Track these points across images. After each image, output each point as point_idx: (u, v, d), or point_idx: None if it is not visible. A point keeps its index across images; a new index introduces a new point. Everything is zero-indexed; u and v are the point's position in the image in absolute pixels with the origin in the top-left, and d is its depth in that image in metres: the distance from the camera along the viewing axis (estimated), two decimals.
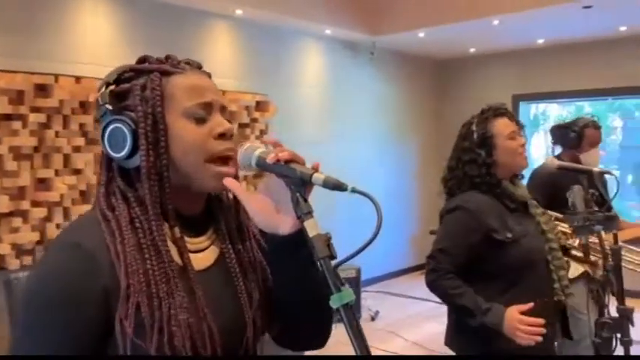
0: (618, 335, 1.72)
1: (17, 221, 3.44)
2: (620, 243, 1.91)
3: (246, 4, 4.54)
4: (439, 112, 7.07)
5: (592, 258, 2.04)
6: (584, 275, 2.83)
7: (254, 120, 4.88)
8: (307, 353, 1.13)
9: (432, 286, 1.95)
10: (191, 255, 0.95)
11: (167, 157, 0.93)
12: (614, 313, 1.88)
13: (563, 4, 4.50)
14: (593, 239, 2.11)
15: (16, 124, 3.40)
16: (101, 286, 0.86)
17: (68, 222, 3.63)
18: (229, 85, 4.64)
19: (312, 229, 0.86)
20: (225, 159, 0.96)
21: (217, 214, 1.03)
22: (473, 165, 2.01)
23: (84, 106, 3.72)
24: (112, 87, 0.97)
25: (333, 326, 1.06)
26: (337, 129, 5.78)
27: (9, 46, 3.50)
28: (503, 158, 1.99)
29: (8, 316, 1.08)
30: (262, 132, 4.97)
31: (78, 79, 3.72)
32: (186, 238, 0.96)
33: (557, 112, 7.34)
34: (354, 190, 0.84)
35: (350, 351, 0.81)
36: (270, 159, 0.90)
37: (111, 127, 0.94)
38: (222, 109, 0.99)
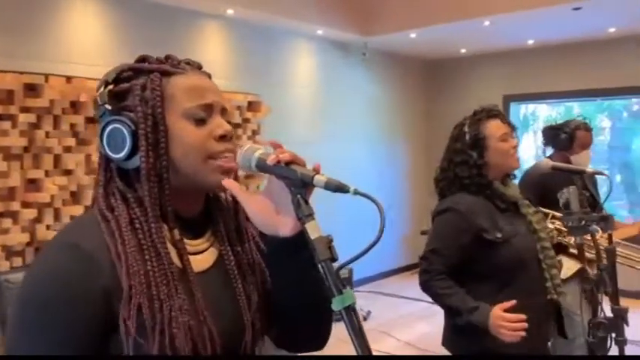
0: (613, 335, 1.73)
1: (7, 222, 3.40)
2: (616, 240, 1.92)
3: (238, 3, 4.52)
4: (430, 113, 7.10)
5: (587, 255, 2.05)
6: (577, 275, 2.86)
7: (246, 120, 4.87)
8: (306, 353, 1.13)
9: (424, 286, 1.97)
10: (190, 257, 0.95)
11: (167, 158, 0.92)
12: (607, 312, 1.89)
13: (553, 6, 4.53)
14: (587, 238, 2.13)
15: (6, 124, 3.36)
16: (101, 286, 0.85)
17: (59, 223, 3.61)
18: (221, 86, 4.51)
19: (313, 231, 0.86)
20: (225, 160, 0.95)
21: (216, 215, 1.02)
22: (464, 166, 2.02)
23: (74, 106, 3.69)
24: (110, 86, 0.96)
25: (333, 325, 1.05)
26: (329, 129, 5.78)
27: None
28: (495, 160, 2.00)
29: None
30: (254, 132, 4.96)
31: (68, 78, 3.69)
32: (185, 240, 0.95)
33: (547, 112, 7.39)
34: (356, 192, 0.84)
35: (350, 349, 0.81)
36: (270, 160, 0.89)
37: (110, 127, 0.93)
38: (223, 110, 0.99)
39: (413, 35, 5.62)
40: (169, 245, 0.92)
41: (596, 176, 2.83)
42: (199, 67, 1.02)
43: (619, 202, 6.77)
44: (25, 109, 3.45)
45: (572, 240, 2.59)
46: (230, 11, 4.64)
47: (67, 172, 3.67)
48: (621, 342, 1.68)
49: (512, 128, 2.07)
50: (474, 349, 1.93)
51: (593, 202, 2.64)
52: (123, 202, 0.92)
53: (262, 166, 0.91)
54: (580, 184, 2.01)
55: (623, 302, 1.85)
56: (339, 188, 0.84)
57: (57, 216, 3.63)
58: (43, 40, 3.69)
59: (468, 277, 1.97)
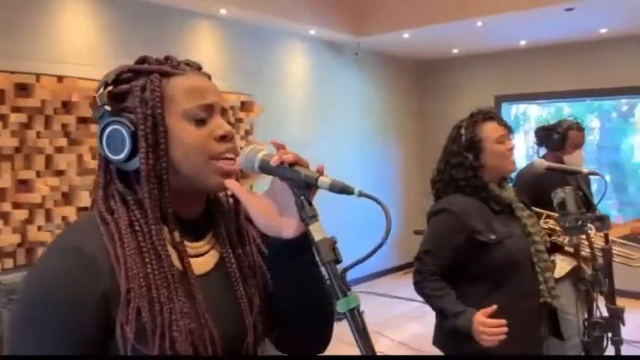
0: (609, 335, 1.74)
1: None
2: (612, 238, 1.94)
3: (231, 3, 4.51)
4: (422, 113, 7.12)
5: (583, 254, 2.07)
6: (570, 274, 2.88)
7: (239, 120, 4.85)
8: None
9: (417, 287, 1.98)
10: (191, 259, 0.94)
11: (167, 159, 0.92)
12: (602, 312, 1.89)
13: (546, 7, 4.56)
14: (582, 237, 2.14)
15: None
16: (100, 290, 0.85)
17: (50, 224, 3.58)
18: None
19: (317, 232, 0.85)
20: (226, 160, 0.94)
21: (217, 217, 1.01)
22: (460, 168, 2.03)
23: (66, 106, 3.66)
24: (110, 88, 0.95)
25: (334, 325, 1.05)
26: (322, 129, 5.77)
27: None
28: (491, 162, 2.01)
29: None
30: (247, 132, 4.94)
31: (60, 78, 3.66)
32: (186, 243, 0.94)
33: (538, 113, 7.43)
34: (361, 194, 0.83)
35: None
36: (274, 161, 0.88)
37: (109, 128, 0.92)
38: (223, 111, 0.98)
39: (405, 35, 5.64)
40: (170, 248, 0.91)
41: (589, 176, 2.84)
42: (199, 68, 1.02)
43: (608, 202, 6.83)
44: (16, 109, 3.41)
45: (565, 239, 2.60)
46: (223, 11, 4.63)
47: (59, 173, 3.63)
48: (617, 342, 1.69)
49: (509, 130, 2.08)
50: (464, 349, 1.94)
51: (586, 202, 2.65)
52: (122, 204, 0.91)
53: (266, 168, 0.91)
54: (574, 185, 2.02)
55: (619, 302, 1.86)
56: (344, 190, 0.84)
57: (48, 217, 3.59)
58: (34, 39, 3.65)
59: (462, 277, 1.98)
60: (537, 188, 2.79)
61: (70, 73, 3.73)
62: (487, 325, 1.75)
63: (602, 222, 1.88)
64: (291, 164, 0.88)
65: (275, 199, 0.92)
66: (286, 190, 0.89)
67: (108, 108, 0.93)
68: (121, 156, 0.91)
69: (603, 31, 5.44)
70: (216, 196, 1.04)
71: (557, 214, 2.42)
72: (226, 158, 0.94)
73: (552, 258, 2.56)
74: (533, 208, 2.29)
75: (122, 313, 0.83)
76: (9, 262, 3.41)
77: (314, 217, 0.86)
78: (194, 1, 4.39)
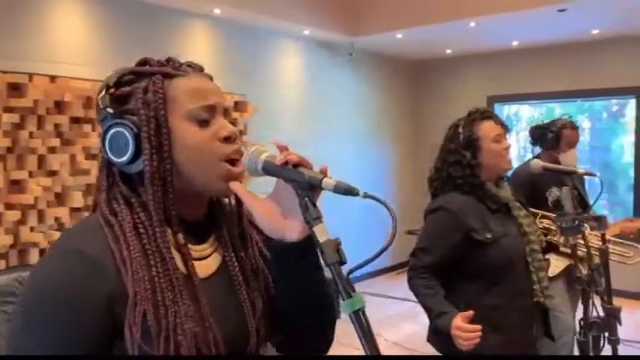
0: (606, 334, 1.75)
1: None
2: (607, 237, 1.95)
3: (224, 3, 4.49)
4: (416, 113, 7.14)
5: (580, 253, 2.08)
6: (563, 273, 2.90)
7: (232, 120, 4.84)
8: None
9: (409, 283, 2.00)
10: (194, 262, 0.93)
11: (170, 161, 0.91)
12: (597, 312, 1.91)
13: (539, 7, 4.58)
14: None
15: None
16: (105, 292, 0.84)
17: (43, 224, 3.55)
18: None
19: (321, 234, 0.85)
20: (232, 161, 0.94)
21: (219, 220, 1.01)
22: (457, 166, 2.04)
23: (59, 106, 3.63)
24: (112, 90, 0.94)
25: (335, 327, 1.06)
26: (316, 129, 5.77)
27: None
28: (488, 160, 2.02)
29: None
30: (241, 132, 4.93)
31: (53, 78, 3.63)
32: (189, 245, 0.94)
33: (529, 113, 7.47)
34: (366, 195, 0.84)
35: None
36: (278, 161, 0.88)
37: (112, 131, 0.92)
38: (225, 111, 0.98)
39: (399, 36, 5.65)
40: (173, 250, 0.91)
41: (583, 176, 2.86)
42: (201, 69, 1.02)
43: (600, 201, 6.88)
44: (9, 109, 3.38)
45: (561, 239, 2.61)
46: (217, 11, 4.61)
47: (52, 173, 3.61)
48: (614, 341, 1.70)
49: (505, 130, 2.09)
50: (456, 345, 1.96)
51: (581, 202, 2.67)
52: (126, 206, 0.91)
53: (269, 169, 0.91)
54: (571, 184, 2.03)
55: (615, 302, 1.87)
56: (348, 191, 0.84)
57: (41, 217, 3.57)
58: (26, 39, 3.62)
59: (457, 276, 2.00)
60: (532, 187, 2.80)
61: (62, 72, 3.70)
62: (463, 330, 1.76)
63: (599, 222, 1.89)
64: (295, 165, 0.88)
65: (279, 202, 0.92)
66: (290, 193, 0.89)
67: (110, 110, 0.93)
68: (125, 158, 0.91)
69: (595, 32, 5.47)
70: (218, 197, 1.04)
71: (553, 214, 2.44)
72: (232, 160, 0.94)
73: (547, 257, 2.58)
74: (532, 209, 2.31)
75: (130, 315, 0.83)
76: (1, 264, 3.38)
77: (318, 218, 0.86)
78: (188, 1, 4.37)
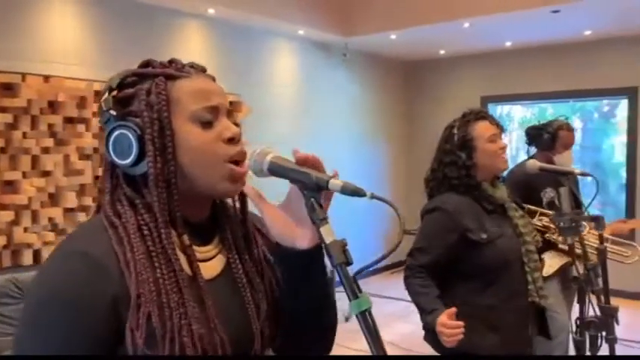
0: (603, 333, 1.76)
1: None
2: (606, 236, 1.96)
3: (219, 3, 4.49)
4: (410, 113, 7.16)
5: (577, 252, 2.09)
6: (558, 273, 2.91)
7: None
8: None
9: (405, 282, 2.01)
10: (199, 264, 0.93)
11: (175, 163, 0.91)
12: (593, 311, 1.92)
13: (532, 8, 4.60)
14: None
15: None
16: (110, 294, 0.84)
17: (37, 225, 3.53)
18: None
19: (327, 235, 0.86)
20: (235, 163, 0.94)
21: (223, 222, 1.01)
22: (453, 167, 2.05)
23: (52, 106, 3.62)
24: (114, 92, 0.94)
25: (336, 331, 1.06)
26: (310, 129, 5.77)
27: None
28: (483, 160, 2.03)
29: None
30: None
31: (46, 78, 3.61)
32: (194, 247, 0.94)
33: (522, 113, 7.51)
34: (373, 197, 0.84)
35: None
36: (298, 156, 0.89)
37: (116, 133, 0.91)
38: (229, 112, 0.98)
39: (393, 36, 5.66)
40: (178, 252, 0.90)
41: (577, 176, 2.87)
42: (203, 70, 1.01)
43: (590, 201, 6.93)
44: (2, 109, 3.36)
45: (559, 237, 2.63)
46: (211, 10, 4.60)
47: (45, 174, 3.59)
48: (611, 340, 1.71)
49: (501, 130, 2.10)
50: (454, 347, 1.97)
51: (575, 203, 2.68)
52: (130, 208, 0.90)
53: (275, 170, 0.91)
54: (568, 185, 2.04)
55: (613, 302, 1.88)
56: (355, 192, 0.84)
57: (35, 218, 3.54)
58: (20, 38, 3.59)
59: (454, 276, 2.01)
60: (527, 187, 2.82)
61: (56, 72, 3.68)
62: (447, 327, 1.77)
63: (597, 222, 1.90)
64: (304, 164, 0.88)
65: (291, 210, 0.92)
66: (302, 201, 0.88)
67: (113, 113, 0.92)
68: (128, 160, 0.90)
69: (588, 33, 5.51)
70: (221, 199, 1.04)
71: (551, 214, 2.45)
72: (235, 161, 0.93)
73: (542, 257, 2.59)
74: (527, 206, 2.32)
75: (132, 318, 0.83)
76: None
77: (324, 219, 0.86)
78: (182, 1, 4.36)
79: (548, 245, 2.79)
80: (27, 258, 3.50)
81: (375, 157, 6.76)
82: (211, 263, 0.96)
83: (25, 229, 3.49)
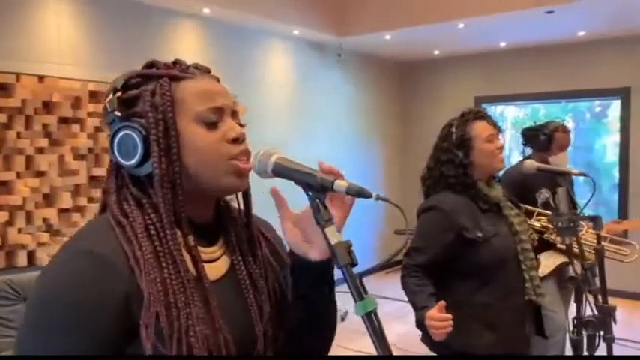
0: (601, 332, 1.77)
1: None
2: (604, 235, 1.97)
3: (214, 3, 4.48)
4: (404, 113, 7.17)
5: (575, 251, 2.11)
6: (554, 273, 2.93)
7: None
8: None
9: (401, 281, 2.02)
10: (204, 265, 0.93)
11: (179, 163, 0.91)
12: (589, 311, 1.93)
13: (527, 9, 4.63)
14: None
15: None
16: (122, 292, 0.84)
17: (31, 226, 3.51)
18: None
19: (333, 236, 0.86)
20: (240, 160, 0.94)
21: (226, 224, 1.01)
22: (450, 165, 2.06)
23: (47, 106, 3.59)
24: (119, 93, 0.94)
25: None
26: (304, 129, 5.77)
27: None
28: (480, 160, 2.04)
29: None
30: None
31: (41, 78, 3.59)
32: (199, 247, 0.94)
33: (515, 113, 7.55)
34: (378, 198, 0.84)
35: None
36: (323, 167, 0.90)
37: (120, 134, 0.91)
38: (233, 113, 0.98)
39: (388, 37, 5.67)
40: (184, 252, 0.91)
41: (572, 177, 2.89)
42: (208, 71, 1.02)
43: (582, 201, 6.97)
44: None
45: (557, 237, 2.64)
46: (206, 10, 4.59)
47: (40, 174, 3.56)
48: (609, 340, 1.73)
49: (498, 130, 2.12)
50: (448, 343, 1.98)
51: (571, 203, 2.70)
52: (137, 207, 0.90)
53: (280, 172, 0.91)
54: (564, 185, 2.05)
55: (610, 302, 1.90)
56: (361, 193, 0.85)
57: (29, 219, 3.52)
58: (14, 38, 3.57)
59: (450, 274, 2.02)
60: (523, 188, 2.84)
61: (51, 72, 3.65)
62: (435, 319, 1.77)
63: (595, 222, 1.91)
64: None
65: (308, 220, 0.93)
66: (307, 223, 0.90)
67: (118, 114, 0.92)
68: (133, 161, 0.90)
69: (582, 33, 5.55)
70: (225, 201, 1.04)
71: (549, 214, 2.47)
72: (239, 160, 0.94)
73: (538, 257, 2.61)
74: (526, 206, 2.33)
75: (145, 315, 0.83)
76: None
77: (329, 220, 0.87)
78: (177, 0, 4.34)
79: (547, 245, 2.80)
80: (21, 259, 3.47)
81: (369, 158, 6.77)
82: (216, 264, 0.96)
83: (20, 230, 3.47)
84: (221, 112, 0.95)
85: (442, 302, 1.78)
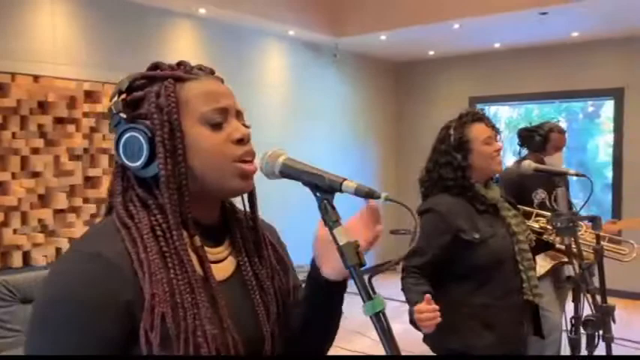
0: (600, 332, 1.79)
1: None
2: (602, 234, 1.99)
3: (210, 3, 4.47)
4: (399, 113, 7.19)
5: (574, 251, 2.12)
6: (550, 273, 2.95)
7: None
8: None
9: (401, 283, 2.02)
10: (210, 265, 0.93)
11: (185, 165, 0.91)
12: (588, 311, 1.94)
13: (521, 10, 4.65)
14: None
15: None
16: (123, 297, 0.84)
17: (26, 227, 3.49)
18: None
19: (341, 236, 0.86)
20: (244, 162, 0.95)
21: (232, 225, 1.02)
22: (448, 168, 2.06)
23: (42, 106, 3.57)
24: (123, 95, 0.94)
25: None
26: (300, 129, 5.77)
27: None
28: (479, 162, 2.05)
29: None
30: None
31: (36, 77, 3.57)
32: (205, 248, 0.94)
33: (508, 114, 7.58)
34: (387, 199, 0.84)
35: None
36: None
37: (126, 135, 0.92)
38: (238, 113, 0.98)
39: (383, 37, 5.68)
40: (190, 252, 0.91)
41: (568, 177, 2.91)
42: (212, 72, 1.02)
43: (576, 201, 7.03)
44: None
45: (557, 238, 2.65)
46: (202, 10, 4.58)
47: (35, 175, 3.55)
48: (609, 339, 1.74)
49: (496, 132, 2.12)
50: (449, 341, 1.99)
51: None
52: (143, 208, 0.90)
53: (287, 172, 0.91)
54: (563, 185, 2.06)
55: (609, 301, 1.91)
56: (369, 194, 0.85)
57: (24, 220, 3.50)
58: (9, 38, 3.55)
59: (448, 276, 2.03)
60: (519, 188, 2.84)
61: (46, 72, 3.63)
62: (420, 312, 1.77)
63: (594, 222, 1.93)
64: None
65: (319, 247, 0.95)
66: (330, 242, 0.89)
67: (123, 115, 0.92)
68: (139, 163, 0.91)
69: (575, 34, 5.58)
70: (230, 202, 1.04)
71: (549, 214, 2.48)
72: (244, 161, 0.94)
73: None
74: (524, 207, 2.34)
75: (146, 318, 0.83)
76: None
77: (337, 221, 0.87)
78: (172, 0, 4.33)
79: (545, 246, 2.82)
80: (17, 260, 3.45)
81: (364, 157, 6.78)
82: (222, 265, 0.97)
83: (15, 231, 3.45)
84: (226, 113, 0.95)
85: (428, 295, 1.77)
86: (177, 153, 0.90)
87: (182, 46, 4.68)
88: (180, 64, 0.99)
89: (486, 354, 1.96)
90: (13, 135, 3.42)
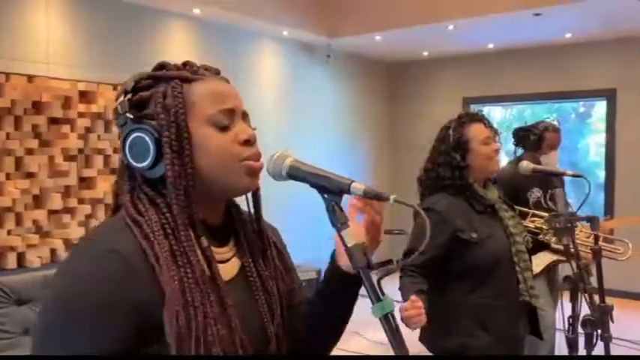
0: (598, 331, 1.80)
1: None
2: (599, 234, 2.00)
3: (204, 3, 4.46)
4: (393, 114, 7.20)
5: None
6: (545, 272, 2.97)
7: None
8: None
9: (399, 282, 2.01)
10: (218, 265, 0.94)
11: (192, 165, 0.91)
12: (585, 310, 1.95)
13: (515, 11, 4.68)
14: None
15: None
16: (138, 295, 0.83)
17: (20, 228, 3.46)
18: None
19: (349, 238, 0.87)
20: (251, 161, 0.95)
21: (237, 226, 1.02)
22: (447, 167, 2.07)
23: (37, 107, 3.56)
24: (129, 95, 0.93)
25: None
26: (294, 130, 5.77)
27: None
28: (477, 162, 2.06)
29: None
30: None
31: (30, 78, 3.55)
32: (212, 248, 0.94)
33: (501, 114, 7.62)
34: (396, 201, 0.85)
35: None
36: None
37: (132, 136, 0.91)
38: (244, 114, 0.98)
39: (377, 38, 5.69)
40: (198, 252, 0.91)
41: (563, 177, 2.93)
42: (217, 73, 1.01)
43: (570, 201, 7.06)
44: None
45: (553, 238, 2.67)
46: (196, 10, 4.58)
47: (29, 175, 3.53)
48: (607, 338, 1.76)
49: (495, 132, 2.13)
50: (445, 341, 2.00)
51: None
52: (152, 206, 0.90)
53: (295, 174, 0.92)
54: (560, 185, 2.08)
55: (609, 301, 1.92)
56: (378, 196, 0.85)
57: (19, 221, 3.48)
58: (3, 38, 3.53)
59: (445, 275, 2.03)
60: (515, 188, 2.86)
61: (40, 72, 3.62)
62: (406, 309, 1.74)
63: (592, 222, 1.94)
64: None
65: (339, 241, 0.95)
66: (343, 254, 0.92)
67: (130, 115, 0.92)
68: (145, 163, 0.90)
69: (568, 35, 5.62)
70: (235, 204, 1.04)
71: (544, 214, 2.49)
72: (250, 161, 0.94)
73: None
74: (520, 208, 2.35)
75: (167, 312, 0.82)
76: None
77: (345, 223, 0.87)
78: (167, 1, 4.32)
79: (541, 246, 2.84)
80: (11, 261, 3.43)
81: (359, 158, 6.79)
82: (228, 265, 0.97)
83: (9, 232, 3.43)
84: (232, 114, 0.95)
85: (414, 295, 1.76)
86: (185, 154, 0.90)
87: (176, 46, 4.67)
88: (186, 64, 0.98)
89: (483, 354, 1.97)
90: (8, 135, 3.40)
